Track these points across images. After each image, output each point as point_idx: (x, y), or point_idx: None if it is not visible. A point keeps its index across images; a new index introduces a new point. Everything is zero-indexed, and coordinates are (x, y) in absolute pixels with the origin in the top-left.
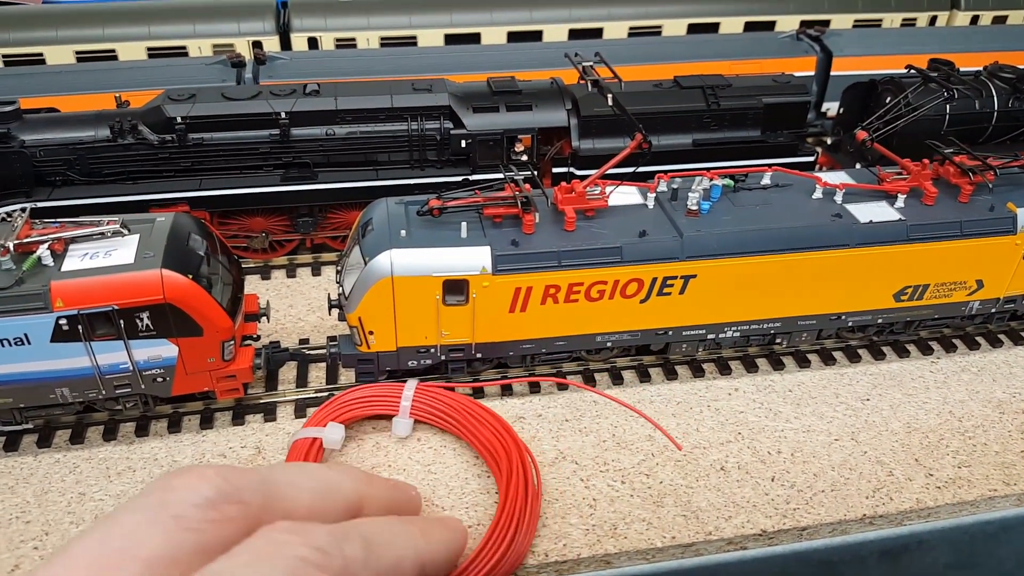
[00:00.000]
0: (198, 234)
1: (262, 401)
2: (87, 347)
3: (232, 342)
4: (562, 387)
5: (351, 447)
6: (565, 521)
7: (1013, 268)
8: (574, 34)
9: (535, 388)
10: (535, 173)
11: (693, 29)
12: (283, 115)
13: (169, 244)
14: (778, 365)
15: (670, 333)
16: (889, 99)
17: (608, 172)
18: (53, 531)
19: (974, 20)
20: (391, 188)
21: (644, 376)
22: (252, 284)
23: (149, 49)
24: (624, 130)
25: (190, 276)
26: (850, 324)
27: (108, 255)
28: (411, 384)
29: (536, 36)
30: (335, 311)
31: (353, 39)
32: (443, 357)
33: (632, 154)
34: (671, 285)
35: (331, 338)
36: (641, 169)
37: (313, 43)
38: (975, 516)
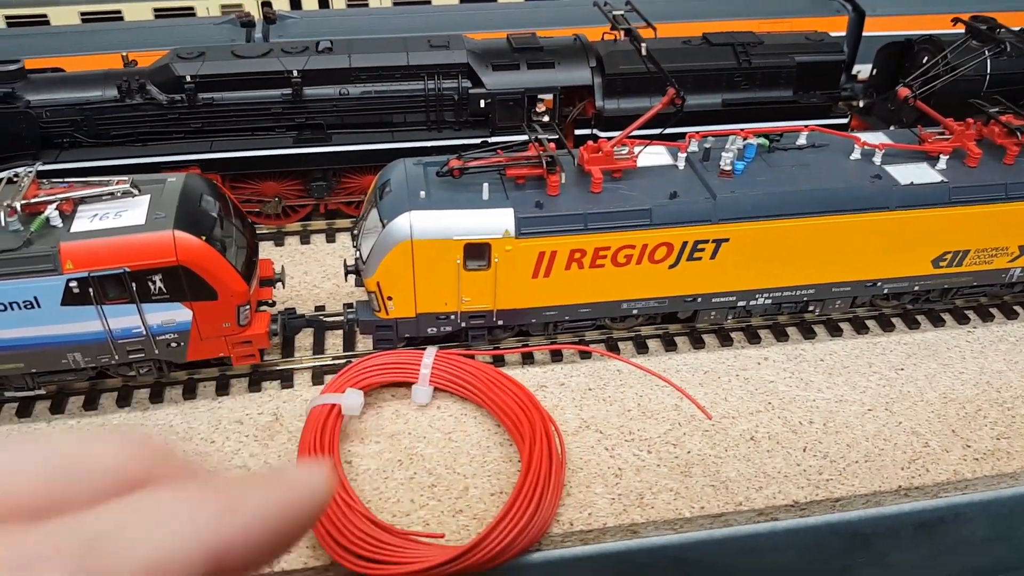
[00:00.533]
0: (210, 195)
1: (279, 368)
2: (99, 311)
3: (247, 307)
4: (585, 356)
5: (370, 414)
6: (590, 490)
7: None
8: None
9: (557, 357)
10: (561, 132)
11: None
12: (295, 73)
13: (181, 205)
14: (809, 334)
15: (699, 300)
16: (927, 59)
17: (635, 132)
18: None
19: None
20: (407, 151)
21: (670, 345)
22: (265, 250)
23: (156, 10)
24: (652, 89)
25: (203, 238)
26: (885, 291)
27: (118, 216)
28: (430, 351)
29: None
30: (352, 277)
31: None
32: (463, 324)
33: (661, 114)
34: (702, 249)
35: (347, 305)
36: (669, 130)
37: (324, 3)
38: (1014, 488)
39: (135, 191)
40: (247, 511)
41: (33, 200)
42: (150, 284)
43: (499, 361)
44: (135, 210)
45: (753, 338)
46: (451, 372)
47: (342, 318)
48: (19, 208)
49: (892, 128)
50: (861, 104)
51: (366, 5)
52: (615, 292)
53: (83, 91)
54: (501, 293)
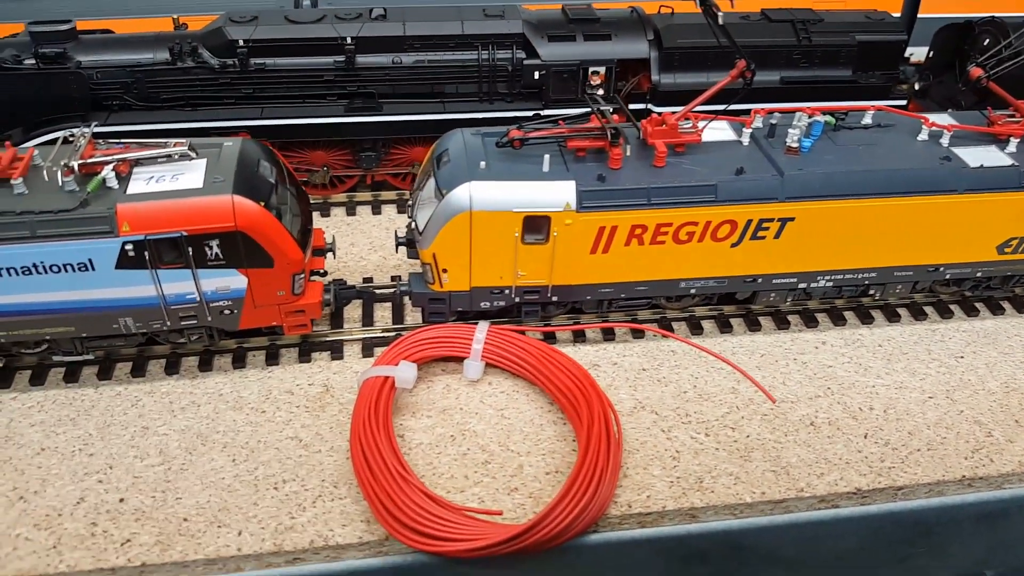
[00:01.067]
0: (267, 161)
1: (329, 339)
2: (153, 275)
3: (302, 275)
4: (638, 335)
5: (420, 388)
6: (648, 472)
7: None
8: None
9: (609, 335)
10: (621, 104)
11: None
12: (349, 40)
13: (239, 170)
14: (866, 319)
15: (759, 281)
16: (988, 41)
17: (696, 108)
18: (117, 464)
19: None
20: (459, 122)
21: (724, 326)
22: (313, 221)
23: None
24: (709, 64)
25: (262, 204)
26: (947, 277)
27: (175, 179)
28: (483, 326)
29: None
30: (402, 249)
31: None
32: (517, 299)
33: (725, 89)
34: (766, 228)
35: (395, 277)
36: (731, 106)
37: None
38: None
39: (192, 154)
40: None
41: (89, 160)
42: (207, 249)
43: (550, 338)
44: (192, 173)
45: (810, 321)
46: (504, 348)
47: (392, 290)
48: (76, 168)
49: (955, 111)
50: (917, 87)
51: None
52: (674, 270)
53: (134, 53)
54: (558, 268)
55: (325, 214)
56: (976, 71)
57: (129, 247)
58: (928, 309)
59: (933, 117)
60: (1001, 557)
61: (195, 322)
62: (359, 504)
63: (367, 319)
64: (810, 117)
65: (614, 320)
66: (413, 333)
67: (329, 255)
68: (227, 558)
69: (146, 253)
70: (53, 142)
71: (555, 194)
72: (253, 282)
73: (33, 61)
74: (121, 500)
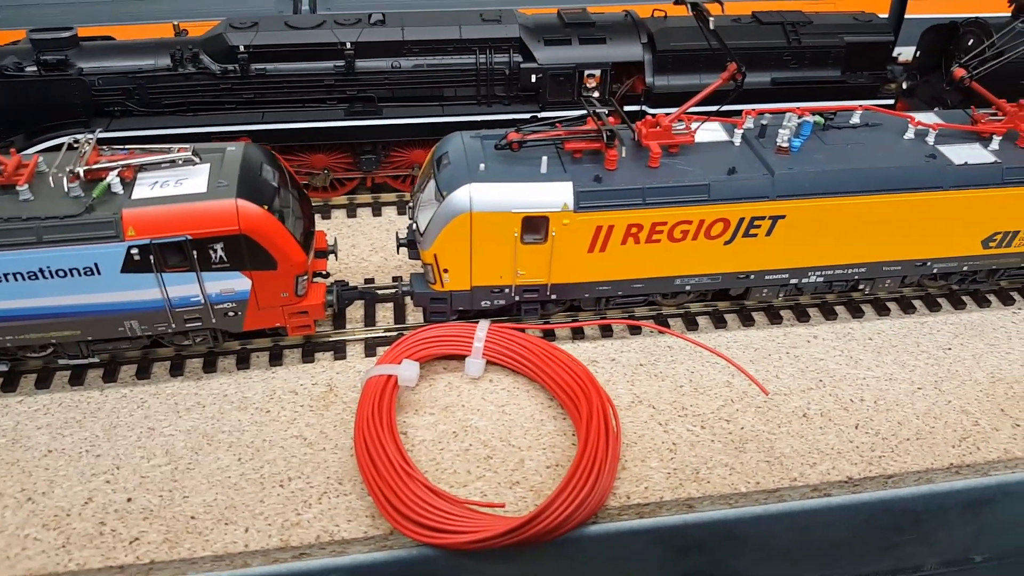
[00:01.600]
0: (270, 165)
1: (332, 339)
2: (158, 278)
3: (305, 277)
4: (635, 331)
5: (423, 386)
6: (645, 464)
7: None
8: None
9: (607, 332)
10: (616, 106)
11: None
12: (348, 45)
13: (243, 174)
14: (857, 313)
15: (752, 277)
16: (972, 41)
17: (689, 109)
18: (124, 465)
19: None
20: (457, 125)
21: (719, 322)
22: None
23: None
24: (702, 67)
25: (265, 207)
26: (935, 271)
27: (179, 184)
28: (484, 324)
29: None
30: (403, 250)
31: None
32: (517, 298)
33: (718, 91)
34: (758, 226)
35: (396, 278)
36: (724, 108)
37: None
38: None
39: (196, 159)
40: None
41: (95, 166)
42: (211, 252)
43: (549, 335)
44: (196, 178)
45: (802, 316)
46: (504, 345)
47: (393, 291)
48: (81, 174)
49: (941, 110)
50: (904, 86)
51: None
52: (669, 268)
53: (136, 59)
54: (556, 267)
55: (326, 216)
56: (959, 71)
57: (134, 251)
58: (917, 303)
59: (919, 116)
60: (988, 543)
61: (200, 324)
62: (364, 500)
63: (369, 319)
64: (799, 117)
65: (612, 317)
66: (415, 332)
67: (331, 257)
68: (235, 554)
69: (151, 257)
70: (58, 148)
71: (553, 195)
72: (257, 284)
73: (35, 68)
74: (129, 500)
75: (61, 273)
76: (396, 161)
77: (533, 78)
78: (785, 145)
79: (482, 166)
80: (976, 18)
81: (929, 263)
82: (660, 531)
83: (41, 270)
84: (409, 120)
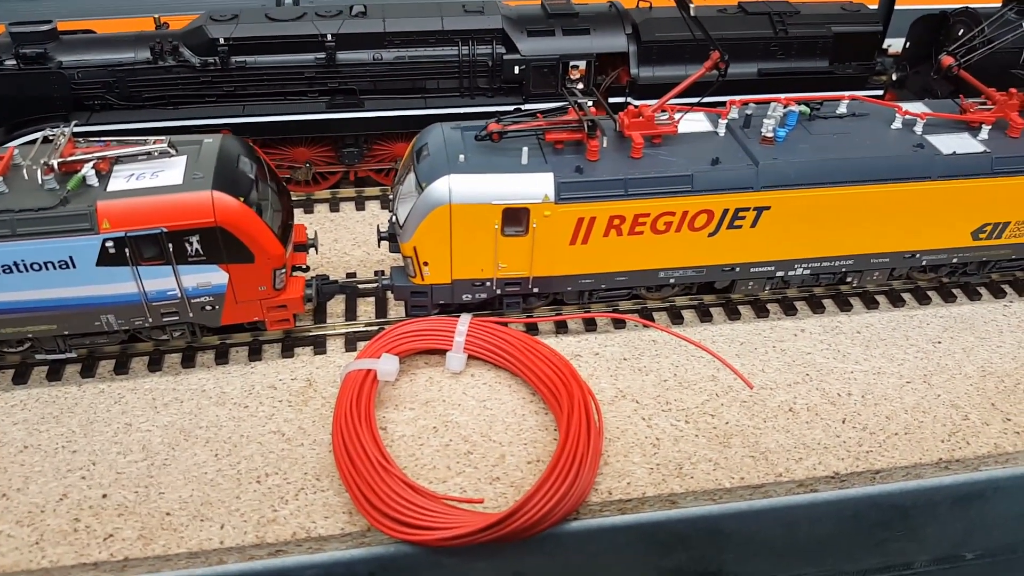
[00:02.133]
0: (247, 157)
1: (311, 334)
2: (134, 271)
3: (283, 270)
4: (619, 325)
5: (403, 381)
6: (628, 460)
7: None
8: None
9: (591, 325)
10: (599, 97)
11: None
12: (329, 37)
13: (219, 166)
14: (845, 306)
15: (737, 270)
16: (962, 31)
17: (673, 100)
18: (100, 461)
19: None
20: (440, 117)
21: (705, 315)
22: (295, 217)
23: None
24: (687, 57)
25: (241, 199)
26: (924, 263)
27: (155, 176)
28: (465, 319)
29: None
30: (384, 243)
31: None
32: (499, 291)
33: (701, 81)
34: (743, 217)
35: (378, 272)
36: (707, 99)
37: None
38: None
39: (172, 151)
40: None
41: (69, 158)
42: (187, 245)
43: (532, 329)
44: (172, 170)
45: (789, 309)
46: (486, 340)
47: (375, 285)
48: (55, 166)
49: (929, 99)
50: (894, 77)
51: None
52: (653, 260)
53: (115, 53)
54: (538, 260)
55: (309, 211)
56: (947, 60)
57: (109, 244)
58: (906, 295)
59: (907, 105)
60: (980, 539)
61: (177, 318)
62: (341, 496)
63: (350, 313)
64: (785, 107)
65: (596, 311)
66: (395, 327)
67: (312, 250)
68: (209, 551)
69: (126, 250)
70: (34, 142)
71: (533, 186)
72: (234, 277)
73: (14, 61)
74: (104, 496)
75: (36, 266)
76: (379, 154)
77: (516, 70)
78: (770, 135)
79: (462, 157)
80: (967, 8)
81: (918, 255)
82: (643, 527)
83: (16, 263)
84: (391, 112)
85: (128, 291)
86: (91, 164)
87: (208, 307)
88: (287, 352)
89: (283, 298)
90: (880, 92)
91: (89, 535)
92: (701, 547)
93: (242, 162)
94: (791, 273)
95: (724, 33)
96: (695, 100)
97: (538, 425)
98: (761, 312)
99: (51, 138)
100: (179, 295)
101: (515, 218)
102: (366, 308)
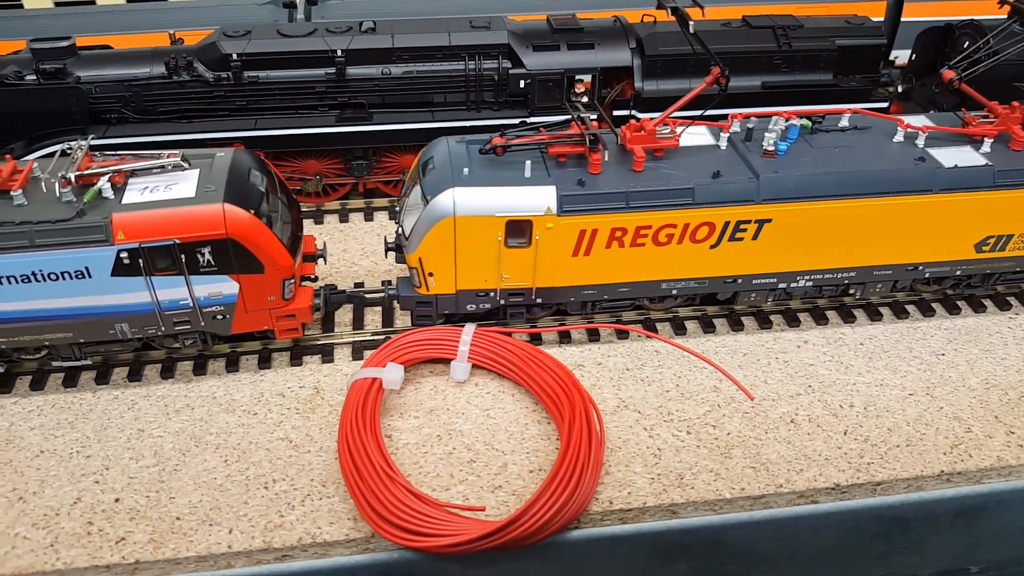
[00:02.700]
0: (258, 170)
1: (320, 342)
2: (148, 282)
3: (292, 280)
4: (622, 336)
5: (408, 389)
6: (629, 469)
7: None
8: None
9: (594, 336)
10: (601, 110)
11: None
12: (339, 53)
13: (231, 179)
14: (848, 318)
15: (739, 281)
16: (968, 44)
17: (675, 113)
18: (113, 466)
19: None
20: (447, 130)
21: (708, 327)
22: (305, 228)
23: None
24: (691, 71)
25: (252, 212)
26: (927, 276)
27: (168, 189)
28: (469, 328)
29: None
30: (391, 254)
31: None
32: (502, 301)
33: (703, 94)
34: (744, 230)
35: (385, 282)
36: (709, 112)
37: None
38: None
39: (185, 164)
40: None
41: (86, 172)
42: (199, 256)
43: (536, 339)
44: (185, 183)
45: (792, 321)
46: (490, 349)
47: (382, 294)
48: (72, 179)
49: (932, 113)
50: (900, 89)
51: None
52: (655, 272)
53: (132, 68)
54: (541, 271)
55: (319, 221)
56: (948, 73)
57: (124, 255)
58: (910, 307)
59: (908, 119)
60: (985, 552)
61: (189, 327)
62: (346, 502)
63: (357, 323)
64: (787, 120)
65: (599, 321)
66: (401, 336)
67: (320, 261)
68: (218, 555)
69: (140, 261)
70: (52, 155)
71: (536, 199)
72: (244, 288)
73: (34, 77)
74: (116, 500)
75: (53, 276)
76: (387, 166)
77: (522, 84)
78: (771, 148)
79: (466, 170)
80: (972, 20)
81: (921, 267)
82: (644, 537)
83: (34, 273)
84: (399, 126)
85: (142, 300)
86: (107, 177)
87: (219, 316)
88: (296, 360)
89: (292, 307)
90: (885, 105)
91: (102, 538)
92: (702, 557)
93: (253, 175)
94: (793, 285)
95: (728, 47)
96: (697, 113)
97: (540, 434)
98: (764, 323)
99: (69, 152)
100: (191, 305)
101: (518, 230)
102: (373, 317)
